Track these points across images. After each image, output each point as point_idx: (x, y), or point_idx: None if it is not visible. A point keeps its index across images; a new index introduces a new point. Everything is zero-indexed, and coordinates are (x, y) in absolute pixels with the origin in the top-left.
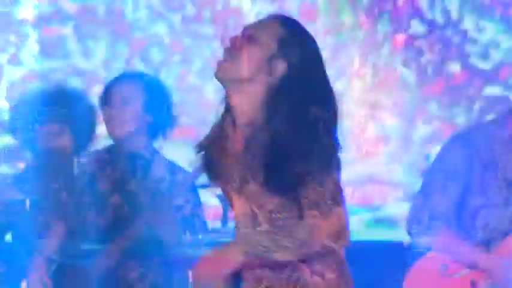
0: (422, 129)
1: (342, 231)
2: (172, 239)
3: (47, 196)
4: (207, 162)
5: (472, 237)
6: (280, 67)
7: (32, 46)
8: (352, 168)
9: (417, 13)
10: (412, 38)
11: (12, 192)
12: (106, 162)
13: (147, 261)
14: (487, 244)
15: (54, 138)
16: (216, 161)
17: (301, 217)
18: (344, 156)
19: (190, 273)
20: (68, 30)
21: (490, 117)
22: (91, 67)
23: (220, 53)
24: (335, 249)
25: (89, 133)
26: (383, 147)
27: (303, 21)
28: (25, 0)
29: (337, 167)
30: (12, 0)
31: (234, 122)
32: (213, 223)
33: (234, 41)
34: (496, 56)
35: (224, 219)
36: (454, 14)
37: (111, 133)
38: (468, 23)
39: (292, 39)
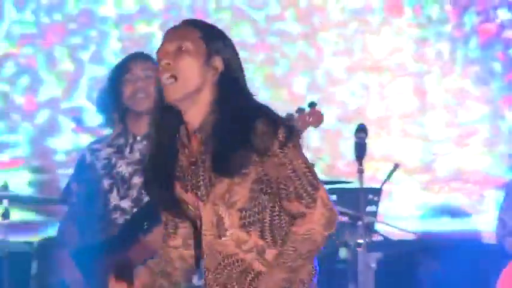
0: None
1: (332, 217)
2: None
3: None
4: (159, 182)
5: None
6: (218, 63)
7: (113, 44)
8: (445, 159)
9: (504, 2)
10: (500, 27)
11: None
12: (122, 145)
13: None
14: None
15: None
16: (172, 178)
17: (277, 210)
18: (437, 147)
19: None
20: (153, 28)
21: None
22: None
23: (305, 51)
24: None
25: None
26: (473, 138)
27: (388, 16)
28: None
29: (295, 147)
30: None
31: (187, 131)
32: None
33: (165, 62)
34: None
35: None
36: None
37: (134, 106)
38: None
39: (212, 35)
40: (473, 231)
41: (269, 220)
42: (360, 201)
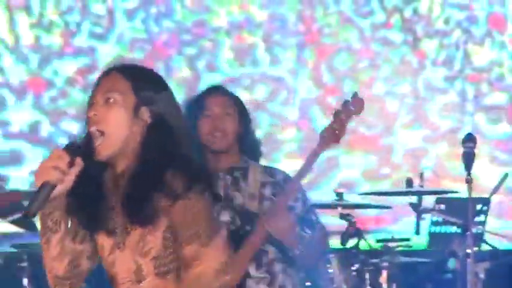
0: None
1: (226, 264)
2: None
3: None
4: (85, 219)
5: None
6: (146, 115)
7: (226, 53)
8: None
9: None
10: None
11: None
12: None
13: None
14: None
15: None
16: (94, 219)
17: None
18: None
19: None
20: (256, 38)
21: None
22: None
23: (408, 60)
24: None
25: None
26: None
27: (490, 30)
28: (219, 8)
29: (200, 193)
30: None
31: (113, 176)
32: None
33: (93, 114)
34: None
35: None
36: None
37: (211, 144)
38: None
39: (142, 84)
40: None
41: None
42: (468, 211)
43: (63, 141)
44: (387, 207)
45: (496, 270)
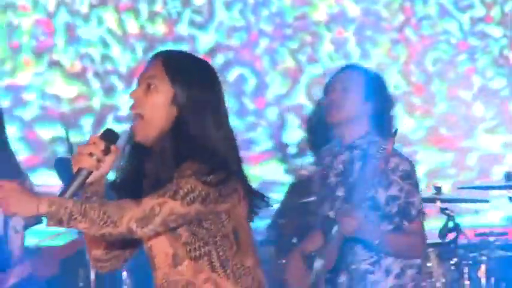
0: None
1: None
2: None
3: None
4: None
5: None
6: (178, 106)
7: (326, 46)
8: None
9: None
10: None
11: None
12: (335, 154)
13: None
14: None
15: None
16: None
17: (220, 244)
18: None
19: None
20: (348, 33)
21: None
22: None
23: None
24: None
25: None
26: None
27: None
28: (319, 2)
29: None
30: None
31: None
32: None
33: (135, 100)
34: None
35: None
36: None
37: (330, 118)
38: None
39: (181, 76)
40: None
41: (216, 253)
42: None
43: None
44: (485, 201)
45: None
